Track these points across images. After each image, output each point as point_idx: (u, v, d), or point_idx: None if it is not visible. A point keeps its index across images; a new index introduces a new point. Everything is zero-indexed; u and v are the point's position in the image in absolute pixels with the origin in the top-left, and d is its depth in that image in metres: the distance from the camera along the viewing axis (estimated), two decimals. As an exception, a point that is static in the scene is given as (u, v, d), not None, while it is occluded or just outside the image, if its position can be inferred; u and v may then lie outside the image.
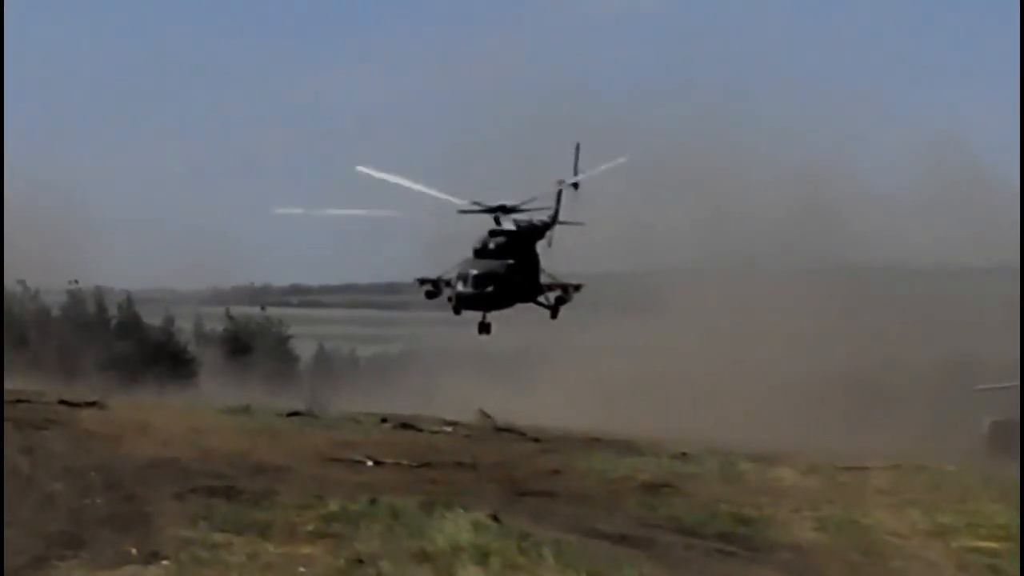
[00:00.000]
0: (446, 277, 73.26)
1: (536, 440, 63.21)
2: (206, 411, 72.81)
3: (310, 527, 33.64)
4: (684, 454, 57.89)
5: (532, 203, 73.10)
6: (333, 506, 36.46)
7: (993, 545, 40.19)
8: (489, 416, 72.90)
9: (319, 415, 72.75)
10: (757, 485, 50.74)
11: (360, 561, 29.36)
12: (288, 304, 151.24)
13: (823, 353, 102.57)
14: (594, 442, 62.21)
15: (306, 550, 30.65)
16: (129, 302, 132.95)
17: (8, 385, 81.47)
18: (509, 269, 71.28)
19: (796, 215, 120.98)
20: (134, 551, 29.94)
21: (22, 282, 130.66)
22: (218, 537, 31.64)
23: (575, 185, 71.82)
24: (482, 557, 29.90)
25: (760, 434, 72.23)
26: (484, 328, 75.05)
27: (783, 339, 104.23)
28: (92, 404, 68.14)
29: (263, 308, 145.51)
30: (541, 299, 74.49)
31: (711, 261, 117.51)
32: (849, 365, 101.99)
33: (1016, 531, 43.21)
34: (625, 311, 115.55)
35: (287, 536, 32.28)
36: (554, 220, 72.92)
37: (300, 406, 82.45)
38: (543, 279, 75.30)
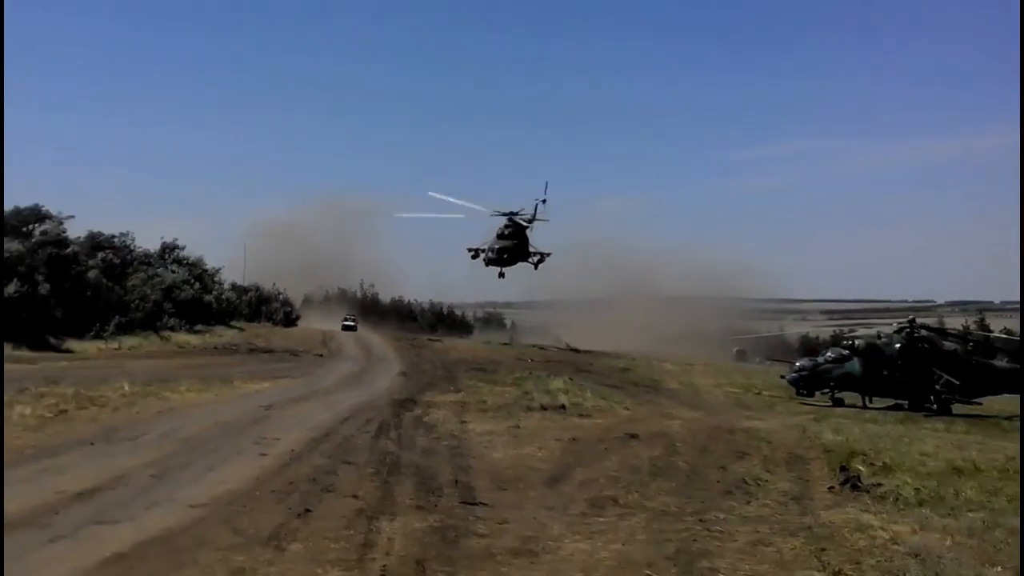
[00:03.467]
0: (482, 247, 65.85)
1: (584, 352, 67.09)
2: (474, 344, 77.74)
3: (508, 381, 36.77)
4: (634, 359, 60.61)
5: (524, 211, 65.19)
6: (516, 374, 39.82)
7: (737, 390, 43.85)
8: (568, 343, 77.19)
9: (512, 344, 78.70)
10: (658, 368, 54.12)
11: (526, 392, 31.40)
12: (496, 307, 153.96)
13: (675, 326, 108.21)
14: (604, 353, 65.51)
15: (507, 389, 33.16)
16: (450, 306, 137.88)
17: (398, 333, 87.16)
18: (514, 245, 64.84)
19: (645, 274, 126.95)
20: (451, 388, 33.23)
21: (412, 299, 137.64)
22: (479, 384, 35.05)
23: (544, 201, 63.93)
24: (566, 391, 32.18)
25: (658, 350, 74.23)
26: (501, 275, 67.01)
27: (658, 321, 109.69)
28: (438, 340, 75.12)
29: (494, 309, 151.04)
30: (530, 260, 65.95)
31: (621, 293, 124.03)
32: (685, 329, 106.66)
33: (749, 384, 47.56)
34: (593, 310, 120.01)
35: (501, 384, 35.31)
36: (533, 219, 64.76)
37: (507, 340, 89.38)
38: (531, 249, 66.33)
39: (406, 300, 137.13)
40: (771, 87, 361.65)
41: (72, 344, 44.30)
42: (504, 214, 67.29)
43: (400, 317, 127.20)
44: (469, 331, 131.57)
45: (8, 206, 50.19)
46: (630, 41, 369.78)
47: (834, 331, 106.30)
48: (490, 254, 66.74)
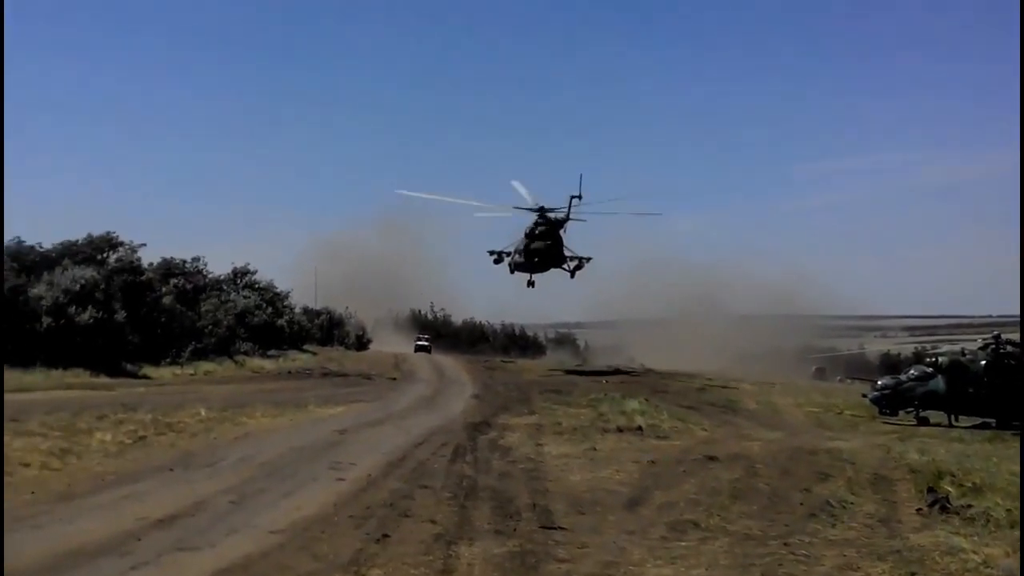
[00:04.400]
0: (507, 250, 59.73)
1: (659, 372, 65.40)
2: (548, 364, 76.71)
3: (583, 402, 36.24)
4: (710, 379, 58.12)
5: (559, 208, 58.62)
6: (591, 396, 39.30)
7: (817, 409, 43.01)
8: (643, 364, 73.63)
9: (586, 366, 75.83)
10: (735, 388, 52.31)
11: (601, 414, 31.52)
12: (569, 327, 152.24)
13: (751, 344, 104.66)
14: (679, 373, 62.70)
15: (582, 411, 32.94)
16: (522, 327, 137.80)
17: (470, 355, 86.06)
18: (547, 246, 58.01)
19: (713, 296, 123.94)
20: (526, 410, 33.12)
21: (484, 320, 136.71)
22: (554, 406, 34.72)
23: (579, 197, 56.55)
24: (643, 412, 32.18)
25: (734, 370, 71.45)
26: (530, 284, 60.45)
27: (733, 340, 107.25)
28: (511, 361, 72.23)
29: (566, 329, 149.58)
30: (566, 266, 59.81)
31: (694, 312, 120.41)
32: (761, 348, 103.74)
33: (830, 403, 46.12)
34: (665, 329, 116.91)
35: (575, 406, 34.90)
36: (567, 218, 58.11)
37: (580, 361, 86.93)
38: (565, 253, 59.92)
39: (478, 321, 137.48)
40: (844, 100, 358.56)
41: (148, 370, 45.00)
42: (534, 210, 59.56)
43: (472, 339, 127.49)
44: (542, 352, 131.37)
45: (81, 234, 51.42)
46: (696, 53, 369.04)
47: (916, 348, 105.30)
48: (517, 257, 59.84)
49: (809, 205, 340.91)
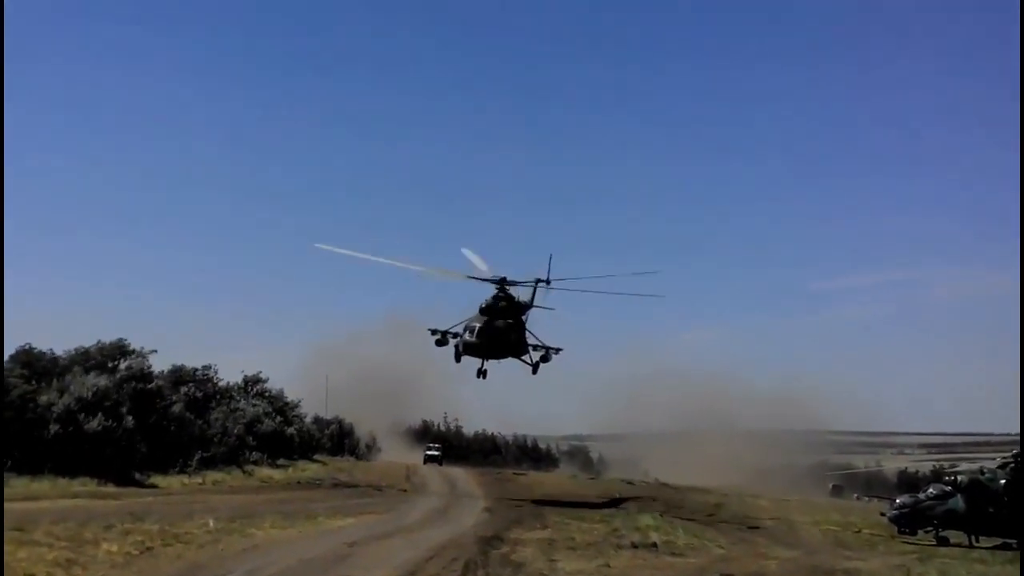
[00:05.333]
0: (453, 330, 48.88)
1: (673, 487, 65.84)
2: (561, 478, 75.88)
3: (597, 518, 36.03)
4: (726, 494, 57.59)
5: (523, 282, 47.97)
6: (605, 512, 39.38)
7: (835, 527, 42.48)
8: (657, 479, 74.70)
9: (597, 478, 76.47)
10: (751, 504, 52.14)
11: (615, 529, 31.22)
12: (581, 439, 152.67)
13: (766, 459, 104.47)
14: (693, 488, 62.65)
15: (596, 525, 32.64)
16: (535, 439, 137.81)
17: (482, 466, 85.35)
18: (508, 327, 47.71)
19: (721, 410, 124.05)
20: (539, 524, 32.66)
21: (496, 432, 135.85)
22: (567, 520, 34.34)
23: (547, 282, 46.00)
24: (657, 528, 32.05)
25: (749, 485, 70.81)
26: (481, 374, 49.65)
27: (748, 454, 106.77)
28: (523, 474, 72.95)
29: (579, 442, 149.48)
30: (526, 358, 49.22)
31: (708, 426, 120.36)
32: (776, 463, 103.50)
33: (848, 521, 45.62)
34: (679, 443, 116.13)
35: (589, 520, 34.64)
36: (531, 303, 47.95)
37: (593, 475, 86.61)
38: (530, 340, 49.18)
39: (489, 432, 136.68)
40: (860, 217, 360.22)
41: (157, 479, 44.72)
42: (493, 281, 49.12)
43: (484, 450, 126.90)
44: (555, 464, 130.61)
45: (92, 340, 51.53)
46: (703, 168, 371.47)
47: (934, 466, 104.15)
48: (468, 336, 48.62)
49: (824, 320, 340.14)
